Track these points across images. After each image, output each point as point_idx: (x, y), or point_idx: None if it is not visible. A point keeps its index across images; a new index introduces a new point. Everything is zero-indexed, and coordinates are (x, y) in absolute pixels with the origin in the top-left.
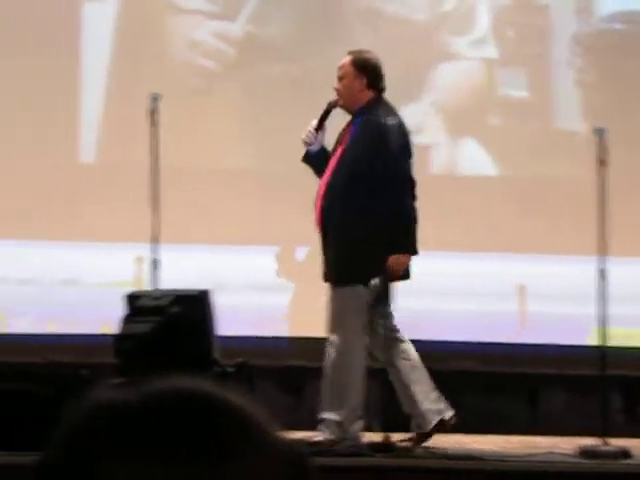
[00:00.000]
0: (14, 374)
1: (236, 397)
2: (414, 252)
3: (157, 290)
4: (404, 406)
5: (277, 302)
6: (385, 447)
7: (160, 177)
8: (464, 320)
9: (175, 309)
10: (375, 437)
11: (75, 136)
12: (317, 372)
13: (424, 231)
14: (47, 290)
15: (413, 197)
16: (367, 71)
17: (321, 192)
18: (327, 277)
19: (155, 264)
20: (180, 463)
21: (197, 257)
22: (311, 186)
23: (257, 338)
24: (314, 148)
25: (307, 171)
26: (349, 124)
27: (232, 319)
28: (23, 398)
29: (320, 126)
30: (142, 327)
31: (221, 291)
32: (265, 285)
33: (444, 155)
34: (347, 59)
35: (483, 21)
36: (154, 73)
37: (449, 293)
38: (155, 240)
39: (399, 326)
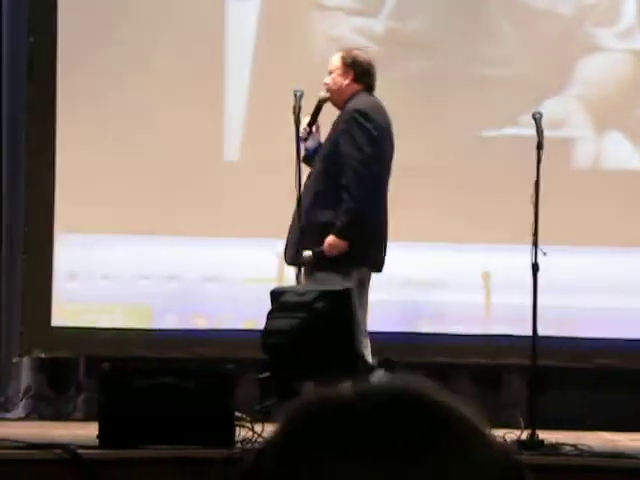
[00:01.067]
0: (161, 369)
1: (449, 398)
2: (346, 239)
3: (301, 286)
4: None
5: (420, 298)
6: None
7: (302, 173)
8: (623, 317)
9: (320, 305)
10: None
11: (219, 135)
12: (460, 369)
13: (572, 225)
14: (192, 286)
15: (375, 189)
16: (355, 67)
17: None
18: None
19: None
20: (393, 462)
21: None
22: (454, 182)
23: (402, 334)
24: (310, 145)
25: (453, 167)
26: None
27: (376, 314)
28: (170, 393)
29: (313, 122)
30: (287, 323)
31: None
32: (407, 281)
33: (589, 149)
34: (337, 55)
35: (630, 12)
36: (296, 70)
37: (610, 290)
38: None
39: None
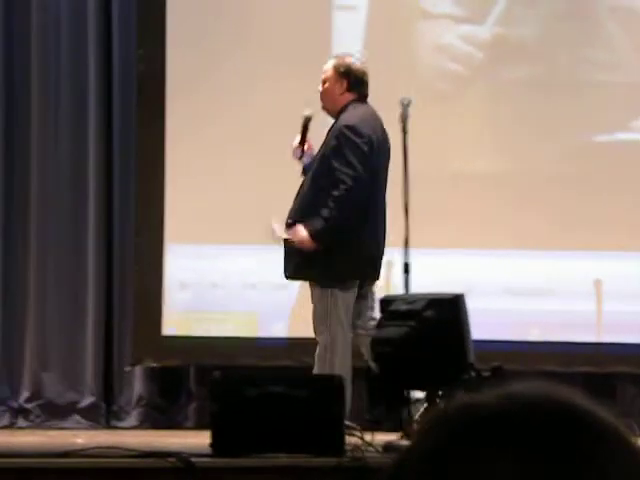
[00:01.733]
0: (271, 378)
1: (595, 405)
2: (317, 241)
3: (411, 294)
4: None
5: (530, 306)
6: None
7: (410, 182)
8: None
9: (429, 313)
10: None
11: None
12: (571, 377)
13: None
14: (299, 294)
15: (361, 207)
16: (349, 76)
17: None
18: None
19: (407, 268)
20: (539, 467)
21: (445, 261)
22: (565, 188)
23: (512, 342)
24: (306, 161)
25: (564, 172)
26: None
27: (485, 323)
28: (280, 401)
29: (302, 141)
30: (397, 331)
31: (473, 295)
32: (517, 289)
33: None
34: (330, 63)
35: None
36: (403, 79)
37: None
38: (406, 244)
39: None
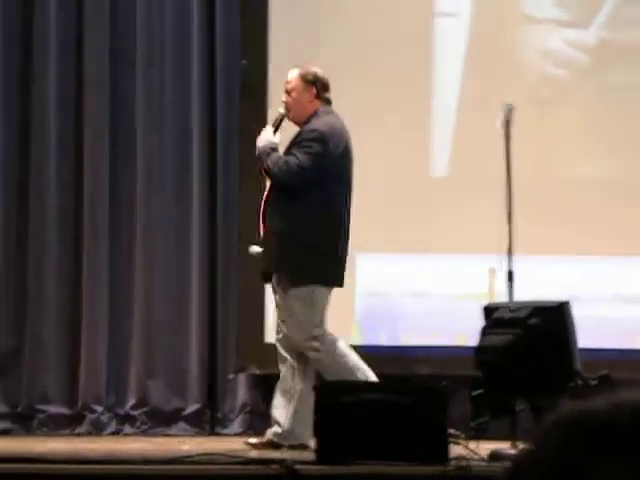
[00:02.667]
0: (373, 385)
1: None
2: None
3: (515, 302)
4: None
5: (638, 314)
6: None
7: (513, 188)
8: None
9: (534, 321)
10: None
11: (426, 150)
12: None
13: None
14: (402, 302)
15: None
16: (316, 83)
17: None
18: None
19: (510, 275)
20: None
21: (550, 268)
22: None
23: (619, 350)
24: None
25: None
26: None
27: (592, 330)
28: (383, 409)
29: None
30: (501, 339)
31: (579, 302)
32: (624, 296)
33: None
34: (294, 73)
35: None
36: (506, 85)
37: None
38: (510, 251)
39: None
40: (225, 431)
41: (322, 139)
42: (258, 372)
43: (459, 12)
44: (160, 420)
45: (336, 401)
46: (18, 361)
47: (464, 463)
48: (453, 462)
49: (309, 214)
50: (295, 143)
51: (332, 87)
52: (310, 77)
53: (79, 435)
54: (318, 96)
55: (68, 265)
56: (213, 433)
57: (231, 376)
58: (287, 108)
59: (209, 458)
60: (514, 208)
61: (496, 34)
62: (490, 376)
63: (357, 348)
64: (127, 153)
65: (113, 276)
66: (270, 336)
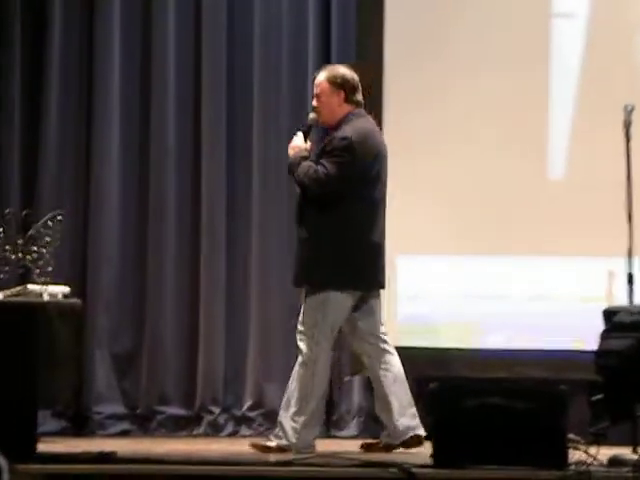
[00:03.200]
0: (490, 388)
1: None
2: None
3: (635, 305)
4: (380, 416)
5: None
6: None
7: (633, 190)
8: None
9: None
10: None
11: (543, 153)
12: None
13: None
14: (518, 305)
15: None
16: (344, 86)
17: None
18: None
19: (630, 278)
20: None
21: None
22: None
23: None
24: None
25: None
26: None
27: None
28: (500, 413)
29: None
30: (621, 343)
31: None
32: None
33: None
34: (322, 76)
35: None
36: (626, 85)
37: None
38: (630, 253)
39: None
40: (341, 434)
41: (351, 147)
42: None
43: (577, 13)
44: (276, 422)
45: (452, 404)
46: (137, 363)
47: (584, 468)
48: (573, 467)
49: (338, 222)
50: (325, 152)
51: (449, 88)
52: (338, 80)
53: (197, 436)
54: (347, 99)
55: (186, 268)
56: (329, 436)
57: (347, 379)
58: (317, 112)
59: (325, 460)
60: (635, 209)
61: (615, 34)
62: (610, 381)
63: (470, 351)
64: (244, 163)
65: (230, 278)
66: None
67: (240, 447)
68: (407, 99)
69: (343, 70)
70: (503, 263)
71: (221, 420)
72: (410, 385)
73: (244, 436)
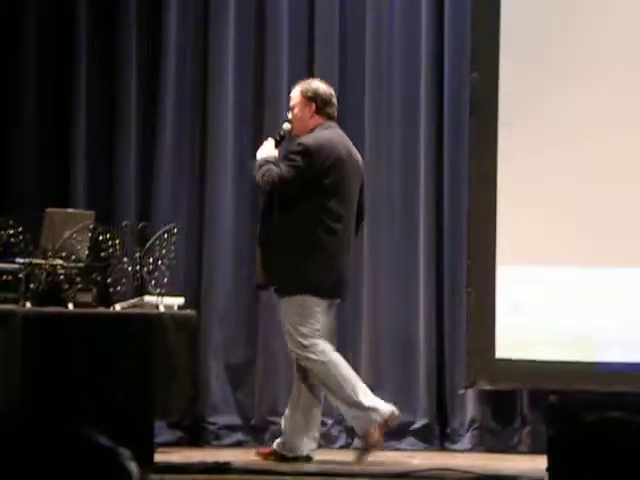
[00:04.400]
0: (611, 403)
1: None
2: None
3: None
4: (288, 424)
5: None
6: None
7: None
8: None
9: None
10: None
11: None
12: None
13: None
14: (636, 318)
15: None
16: (315, 99)
17: None
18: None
19: None
20: None
21: None
22: None
23: None
24: None
25: None
26: None
27: None
28: (620, 428)
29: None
30: None
31: None
32: None
33: None
34: (297, 89)
35: None
36: None
37: None
38: None
39: None
40: (454, 447)
41: (306, 153)
42: (488, 387)
43: None
44: (390, 434)
45: (571, 418)
46: (251, 374)
47: None
48: None
49: (296, 226)
50: (283, 156)
51: (571, 94)
52: (310, 93)
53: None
54: (318, 111)
55: None
56: (442, 448)
57: (462, 391)
58: (291, 123)
59: (440, 473)
60: None
61: None
62: None
63: (589, 365)
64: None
65: None
66: (501, 351)
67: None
68: (520, 103)
69: (316, 84)
70: (619, 275)
71: (334, 432)
72: (527, 398)
73: (356, 448)
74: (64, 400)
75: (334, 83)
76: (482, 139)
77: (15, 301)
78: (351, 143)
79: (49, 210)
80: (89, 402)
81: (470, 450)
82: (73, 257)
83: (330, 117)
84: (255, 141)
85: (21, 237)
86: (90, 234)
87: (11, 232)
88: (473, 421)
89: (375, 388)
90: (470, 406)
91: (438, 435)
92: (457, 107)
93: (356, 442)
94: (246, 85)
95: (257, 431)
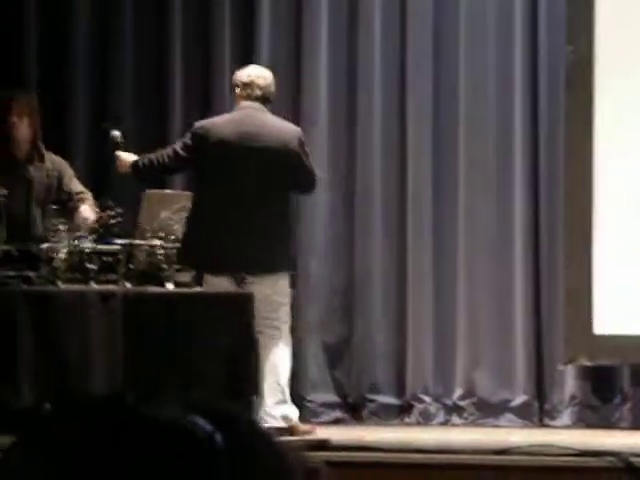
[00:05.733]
0: None
1: None
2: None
3: None
4: None
5: None
6: None
7: None
8: None
9: None
10: None
11: None
12: None
13: None
14: None
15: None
16: (235, 86)
17: None
18: None
19: None
20: None
21: None
22: None
23: None
24: None
25: None
26: None
27: None
28: None
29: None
30: None
31: None
32: None
33: None
34: None
35: None
36: None
37: None
38: None
39: None
40: (554, 423)
41: (192, 132)
42: (588, 363)
43: None
44: (488, 411)
45: None
46: (348, 352)
47: None
48: None
49: (193, 203)
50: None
51: None
52: (233, 81)
53: (408, 425)
54: (240, 96)
55: (393, 256)
56: (541, 425)
57: (560, 368)
58: None
59: (540, 449)
60: None
61: None
62: None
63: None
64: (449, 147)
65: (437, 266)
66: (599, 326)
67: (452, 436)
68: (615, 74)
69: (240, 71)
70: None
71: (432, 409)
72: (628, 374)
73: (455, 425)
74: (163, 379)
75: (428, 60)
76: (577, 111)
77: (115, 282)
78: (271, 121)
79: (147, 191)
80: (187, 381)
81: (570, 427)
82: (171, 237)
83: (248, 98)
84: (348, 128)
85: (120, 218)
86: (186, 215)
87: (111, 213)
88: (573, 397)
89: (473, 366)
90: (569, 382)
91: (537, 412)
92: (553, 81)
93: (454, 419)
94: (340, 74)
95: (355, 408)
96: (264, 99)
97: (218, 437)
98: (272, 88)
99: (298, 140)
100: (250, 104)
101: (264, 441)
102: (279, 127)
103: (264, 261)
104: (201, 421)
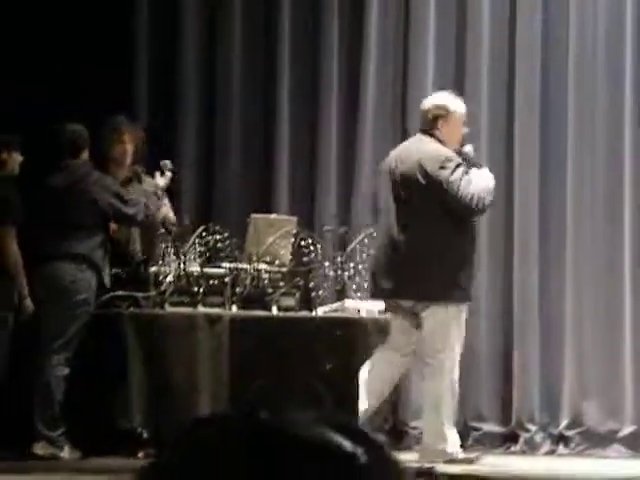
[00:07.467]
0: None
1: None
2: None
3: None
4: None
5: None
6: None
7: None
8: None
9: None
10: None
11: None
12: None
13: None
14: None
15: None
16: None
17: None
18: None
19: None
20: None
21: None
22: None
23: None
24: None
25: None
26: None
27: None
28: None
29: None
30: None
31: None
32: None
33: None
34: None
35: None
36: None
37: None
38: None
39: None
40: None
41: None
42: None
43: None
44: (595, 441)
45: None
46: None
47: None
48: None
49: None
50: None
51: None
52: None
53: (514, 453)
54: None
55: (498, 276)
56: None
57: None
58: None
59: None
60: None
61: None
62: None
63: None
64: (557, 168)
65: (543, 289)
66: None
67: (558, 465)
68: None
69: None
70: None
71: (537, 438)
72: None
73: (561, 455)
74: (268, 401)
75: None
76: None
77: (222, 305)
78: (416, 148)
79: (254, 216)
80: (293, 403)
81: None
82: (277, 262)
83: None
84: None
85: (227, 242)
86: (292, 239)
87: (218, 237)
88: None
89: (581, 395)
90: None
91: None
92: None
93: (560, 449)
94: (447, 77)
95: (460, 436)
96: None
97: (361, 454)
98: None
99: None
100: (416, 134)
101: (392, 459)
102: None
103: None
104: (342, 438)
